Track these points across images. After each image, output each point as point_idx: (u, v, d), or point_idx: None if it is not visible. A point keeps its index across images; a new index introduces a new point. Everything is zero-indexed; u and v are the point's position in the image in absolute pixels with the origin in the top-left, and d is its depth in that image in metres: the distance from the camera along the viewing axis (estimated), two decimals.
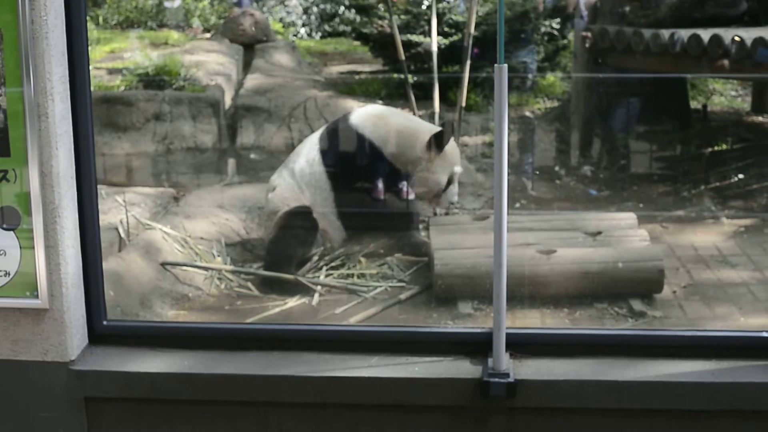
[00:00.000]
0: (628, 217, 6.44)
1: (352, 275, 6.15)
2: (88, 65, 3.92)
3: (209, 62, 10.90)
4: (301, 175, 6.41)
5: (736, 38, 8.06)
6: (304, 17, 14.13)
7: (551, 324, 5.47)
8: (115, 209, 6.69)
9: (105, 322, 4.15)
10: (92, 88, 3.98)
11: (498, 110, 3.89)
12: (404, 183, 6.44)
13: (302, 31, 13.91)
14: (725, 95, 11.25)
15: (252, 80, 10.72)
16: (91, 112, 3.95)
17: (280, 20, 13.82)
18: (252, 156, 9.41)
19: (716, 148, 9.28)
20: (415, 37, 10.19)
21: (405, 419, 3.97)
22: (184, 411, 4.01)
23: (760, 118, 10.28)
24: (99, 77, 10.32)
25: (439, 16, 10.15)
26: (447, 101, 8.85)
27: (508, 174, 3.89)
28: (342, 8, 13.77)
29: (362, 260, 6.28)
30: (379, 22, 10.65)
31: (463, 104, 7.51)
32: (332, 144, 6.50)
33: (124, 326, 4.43)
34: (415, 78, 9.41)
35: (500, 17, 4.12)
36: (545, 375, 3.92)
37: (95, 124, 4.07)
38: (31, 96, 3.66)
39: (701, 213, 7.34)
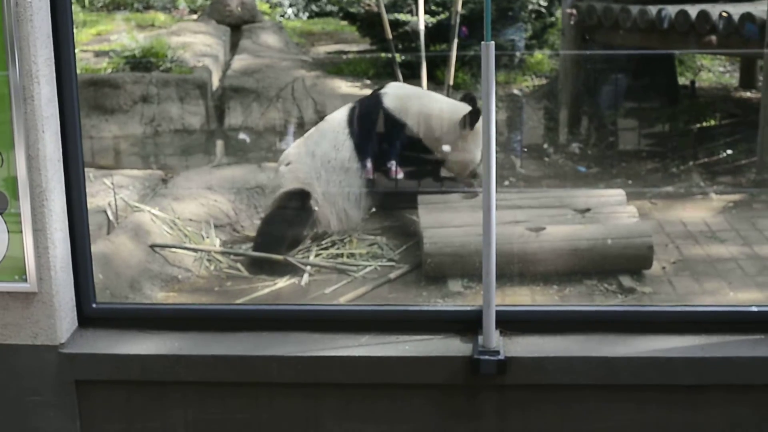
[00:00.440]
0: (617, 194, 6.44)
1: (342, 255, 6.15)
2: (74, 47, 3.90)
3: (196, 44, 10.87)
4: (324, 159, 6.41)
5: (724, 14, 8.05)
6: None
7: (541, 301, 5.48)
8: (104, 192, 6.67)
9: (94, 305, 4.14)
10: (79, 71, 3.97)
11: (485, 88, 3.89)
12: (392, 162, 6.45)
13: (289, 11, 13.86)
14: (713, 71, 11.25)
15: (239, 61, 10.69)
16: (77, 94, 3.93)
17: (267, 0, 13.76)
18: (241, 137, 9.40)
19: (704, 124, 9.29)
20: (402, 16, 10.15)
21: (395, 397, 3.98)
22: (174, 393, 4.01)
23: (748, 94, 10.29)
24: (86, 60, 10.29)
25: None
26: (435, 80, 8.84)
27: (497, 152, 3.88)
28: None
29: (353, 240, 6.28)
30: (366, 1, 10.61)
31: (451, 83, 7.51)
32: (363, 126, 6.50)
33: (113, 309, 4.42)
34: (403, 57, 9.38)
35: None
36: (535, 352, 3.93)
37: (82, 107, 4.06)
38: (17, 79, 3.64)
39: (690, 189, 7.35)
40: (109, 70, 9.96)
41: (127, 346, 4.01)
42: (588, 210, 6.19)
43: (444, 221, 5.97)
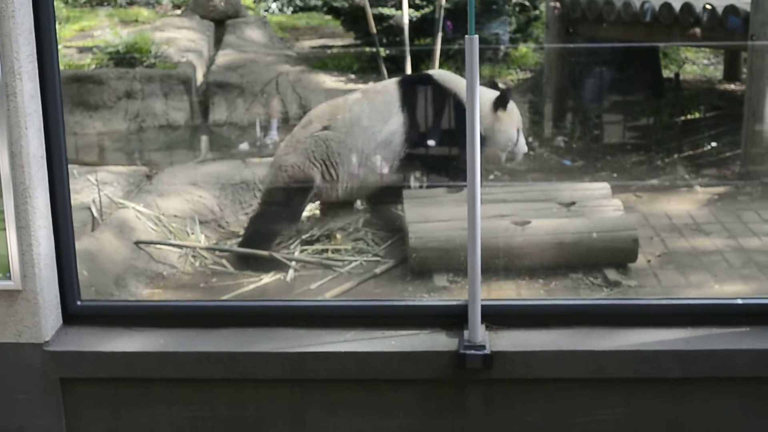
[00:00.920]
0: (602, 187, 6.45)
1: (327, 250, 6.15)
2: (56, 43, 3.89)
3: (180, 39, 10.83)
4: (370, 130, 6.42)
5: (708, 6, 8.06)
6: None
7: (527, 295, 5.49)
8: (88, 189, 6.65)
9: (79, 303, 4.13)
10: (62, 67, 3.95)
11: (469, 82, 3.89)
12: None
13: (273, 5, 13.82)
14: (698, 63, 11.26)
15: (223, 56, 10.67)
16: (61, 90, 3.92)
17: None
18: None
19: (689, 116, 9.30)
20: (386, 10, 10.14)
21: (382, 393, 3.97)
22: (160, 390, 4.00)
23: (733, 86, 10.30)
24: (69, 56, 10.25)
25: None
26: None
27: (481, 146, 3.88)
28: None
29: (337, 236, 6.28)
30: None
31: None
32: (414, 100, 6.56)
33: (98, 306, 4.40)
34: (387, 51, 9.37)
35: None
36: (521, 346, 3.93)
37: (66, 104, 4.04)
38: None
39: (675, 182, 7.36)
40: (93, 66, 9.92)
41: (112, 344, 4.00)
42: (573, 203, 6.19)
43: (429, 216, 5.97)
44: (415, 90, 6.61)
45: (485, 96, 6.51)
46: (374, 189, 6.56)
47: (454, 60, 9.59)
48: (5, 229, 3.76)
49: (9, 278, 3.81)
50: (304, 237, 6.31)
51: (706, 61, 11.32)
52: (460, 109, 6.40)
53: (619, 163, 7.56)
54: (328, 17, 11.91)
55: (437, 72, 6.82)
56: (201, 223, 6.45)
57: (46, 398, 3.98)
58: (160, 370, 3.95)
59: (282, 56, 10.89)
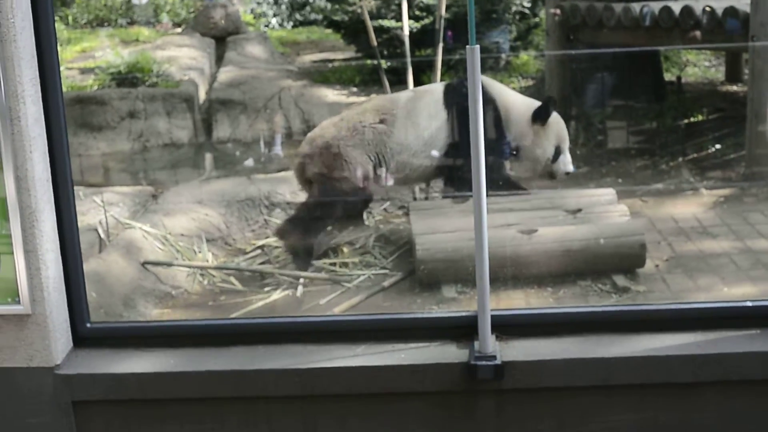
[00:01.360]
0: (608, 193, 6.45)
1: (335, 264, 6.15)
2: (59, 66, 3.89)
3: (181, 57, 10.86)
4: (420, 126, 6.51)
5: (707, 8, 8.06)
6: (275, 7, 14.08)
7: (536, 304, 5.49)
8: (94, 210, 6.66)
9: (89, 325, 4.12)
10: (65, 89, 3.96)
11: (472, 92, 3.89)
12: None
13: (273, 21, 13.87)
14: (699, 66, 11.27)
15: (225, 73, 10.69)
16: (64, 113, 3.92)
17: (251, 11, 13.77)
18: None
19: (692, 119, 9.30)
20: (386, 22, 10.16)
21: (394, 407, 3.97)
22: (172, 410, 4.00)
23: (735, 88, 10.31)
24: (71, 77, 10.28)
25: (410, 0, 10.12)
26: (421, 85, 8.84)
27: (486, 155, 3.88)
28: None
29: (344, 249, 6.28)
30: (351, 8, 10.61)
31: None
32: (458, 101, 6.55)
33: (108, 328, 4.40)
34: (389, 63, 9.39)
35: None
36: (532, 355, 3.92)
37: (69, 125, 4.05)
38: (3, 100, 3.62)
39: (680, 185, 7.36)
40: (95, 87, 9.95)
41: (123, 365, 4.00)
42: (579, 210, 6.19)
43: (436, 227, 5.97)
44: (458, 94, 6.61)
45: (526, 107, 6.58)
46: (417, 184, 6.73)
47: (456, 70, 9.61)
48: (13, 253, 3.76)
49: (18, 303, 3.80)
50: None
51: (707, 63, 11.34)
52: (495, 116, 6.49)
53: (624, 169, 7.55)
54: (329, 31, 11.95)
55: (484, 78, 6.79)
56: (208, 241, 6.46)
57: (58, 422, 3.98)
58: (171, 390, 3.95)
59: (283, 71, 10.92)
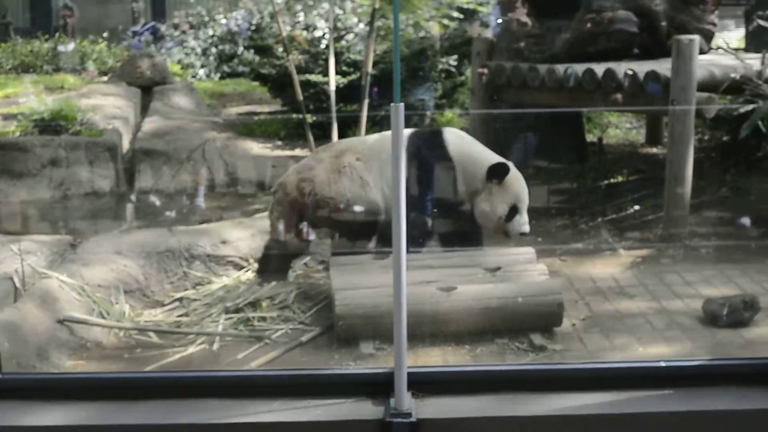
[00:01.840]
0: (527, 252, 6.49)
1: (253, 318, 6.12)
2: None
3: (106, 106, 10.80)
4: (386, 166, 6.52)
5: (629, 72, 8.20)
6: (203, 58, 14.07)
7: (453, 361, 5.50)
8: (10, 258, 6.57)
9: (0, 376, 4.06)
10: None
11: (395, 149, 3.90)
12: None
13: (201, 72, 13.86)
14: (621, 128, 11.44)
15: (150, 123, 10.65)
16: None
17: (179, 62, 13.75)
18: (152, 200, 9.34)
19: (612, 180, 9.43)
20: (313, 77, 10.20)
21: None
22: None
23: (655, 150, 10.47)
24: None
25: (338, 55, 10.18)
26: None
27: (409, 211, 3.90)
28: (240, 49, 13.76)
29: (263, 304, 6.26)
30: (278, 62, 10.64)
31: None
32: (417, 153, 6.64)
33: (20, 379, 4.33)
34: (314, 117, 9.41)
35: (396, 57, 4.14)
36: (448, 413, 3.92)
37: None
38: None
39: (599, 245, 7.44)
40: (17, 134, 9.84)
41: (35, 418, 3.92)
42: (498, 268, 6.23)
43: (356, 282, 5.97)
44: (422, 144, 6.71)
45: (483, 166, 6.58)
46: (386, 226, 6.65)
47: (381, 126, 9.65)
48: None
49: None
50: (229, 305, 6.28)
51: (628, 126, 11.52)
52: (449, 173, 6.57)
53: (544, 228, 7.63)
54: (255, 84, 11.95)
55: (449, 130, 6.89)
56: (126, 292, 6.39)
57: None
58: None
59: (209, 123, 10.90)
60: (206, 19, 14.74)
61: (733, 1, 13.75)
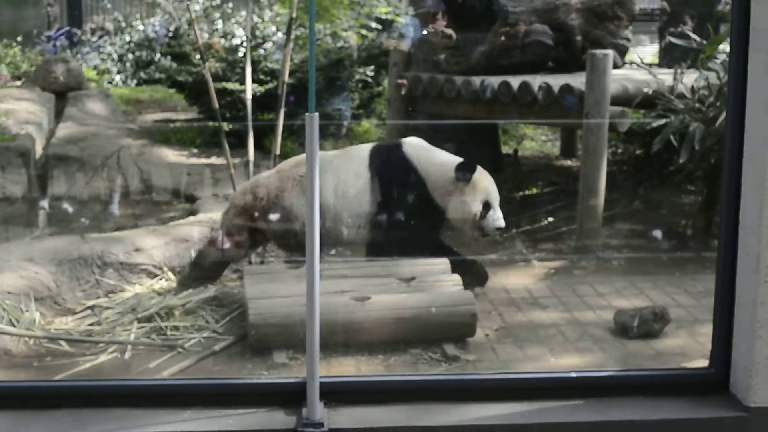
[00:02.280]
0: (441, 263, 6.51)
1: (166, 327, 6.07)
2: None
3: (19, 110, 10.63)
4: (345, 182, 6.58)
5: (543, 85, 8.29)
6: (120, 64, 13.95)
7: (366, 371, 5.50)
8: None
9: None
10: None
11: (309, 159, 3.92)
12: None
13: (117, 78, 13.73)
14: (536, 140, 11.55)
15: (64, 129, 10.52)
16: None
17: (95, 67, 13.61)
18: (65, 207, 9.22)
19: (527, 192, 9.51)
20: (230, 85, 10.15)
21: None
22: None
23: (569, 162, 10.58)
24: None
25: (255, 64, 10.15)
26: (263, 149, 8.85)
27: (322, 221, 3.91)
28: (158, 55, 13.67)
29: (175, 312, 6.21)
30: (195, 69, 10.56)
31: (278, 152, 7.53)
32: (382, 165, 6.71)
33: None
34: (231, 126, 9.36)
35: (311, 67, 4.16)
36: (360, 423, 3.93)
37: None
38: None
39: (513, 256, 7.50)
40: None
41: None
42: (412, 279, 6.24)
43: (270, 291, 5.95)
44: (383, 157, 6.75)
45: (448, 168, 6.64)
46: (336, 243, 6.73)
47: (298, 135, 9.65)
48: None
49: None
50: (141, 314, 6.22)
51: (544, 138, 11.63)
52: (418, 183, 6.64)
53: (458, 238, 7.65)
54: (172, 91, 11.86)
55: (409, 141, 6.89)
56: (36, 300, 6.29)
57: None
58: None
59: (124, 129, 10.80)
60: (123, 24, 14.62)
61: (648, 17, 13.98)
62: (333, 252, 6.86)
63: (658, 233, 8.25)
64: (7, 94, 11.36)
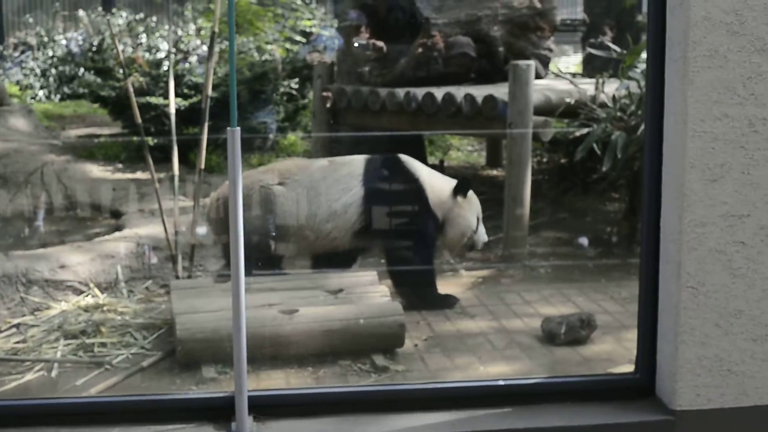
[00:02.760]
0: (369, 274, 6.53)
1: (93, 344, 6.01)
2: None
3: None
4: (330, 194, 6.63)
5: (467, 96, 8.35)
6: (42, 80, 13.80)
7: (296, 384, 5.49)
8: None
9: None
10: None
11: (231, 173, 3.92)
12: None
13: (40, 93, 13.58)
14: (462, 150, 11.62)
15: None
16: None
17: (17, 83, 13.45)
18: None
19: None
20: (154, 99, 10.09)
21: None
22: None
23: (495, 172, 10.65)
24: None
25: (178, 78, 10.10)
26: (187, 163, 8.79)
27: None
28: (81, 70, 13.54)
29: (102, 329, 6.16)
30: (118, 84, 10.48)
31: (202, 166, 7.49)
32: (378, 179, 6.81)
33: None
34: (155, 140, 9.31)
35: (232, 81, 4.17)
36: None
37: None
38: None
39: (440, 266, 7.52)
40: None
41: None
42: (340, 291, 6.25)
43: (197, 306, 5.92)
44: (377, 169, 6.85)
45: (444, 184, 6.84)
46: (321, 253, 6.81)
47: (223, 149, 9.61)
48: None
49: None
50: (68, 331, 6.16)
51: (470, 148, 11.70)
52: (421, 192, 6.78)
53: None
54: (96, 106, 11.76)
55: (402, 156, 7.04)
56: None
57: None
58: None
59: (47, 145, 10.69)
60: (46, 39, 14.47)
61: (570, 28, 14.13)
62: (259, 264, 6.84)
63: (583, 241, 8.34)
64: None
